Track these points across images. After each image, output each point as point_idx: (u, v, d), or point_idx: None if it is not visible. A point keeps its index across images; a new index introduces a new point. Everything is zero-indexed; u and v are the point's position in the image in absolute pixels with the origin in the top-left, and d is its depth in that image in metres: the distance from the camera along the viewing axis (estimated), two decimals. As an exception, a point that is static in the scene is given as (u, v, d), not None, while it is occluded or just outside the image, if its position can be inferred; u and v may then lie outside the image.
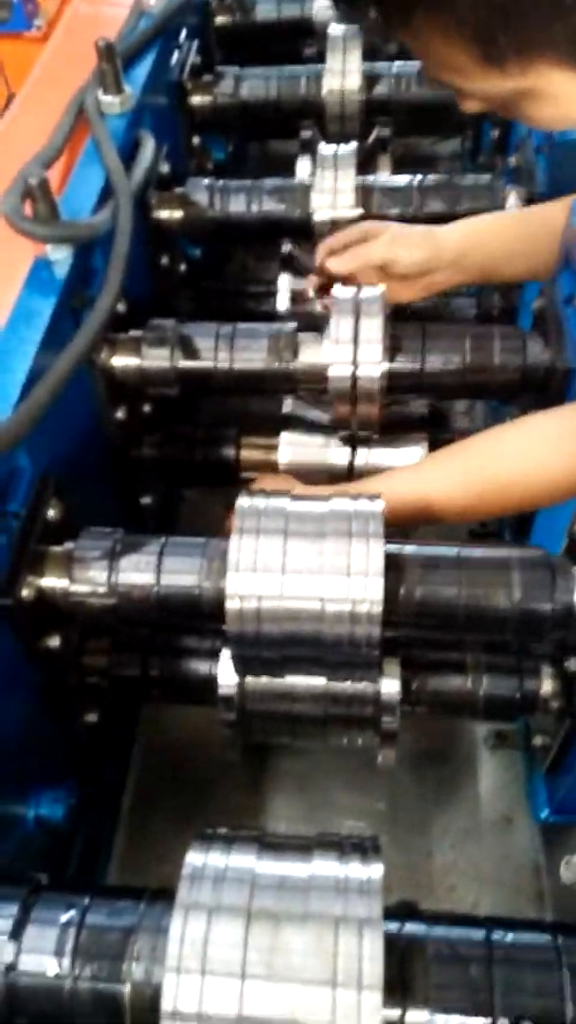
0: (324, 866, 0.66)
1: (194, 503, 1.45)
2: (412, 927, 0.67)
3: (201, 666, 1.03)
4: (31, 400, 0.81)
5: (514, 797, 1.14)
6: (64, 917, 0.67)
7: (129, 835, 1.13)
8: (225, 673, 0.96)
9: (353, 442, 1.16)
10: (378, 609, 0.81)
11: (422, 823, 1.11)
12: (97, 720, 1.03)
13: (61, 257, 0.98)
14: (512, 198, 1.21)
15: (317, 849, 0.67)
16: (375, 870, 0.66)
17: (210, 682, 1.01)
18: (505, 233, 1.12)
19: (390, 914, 0.66)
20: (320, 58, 1.51)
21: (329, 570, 0.82)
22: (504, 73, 0.67)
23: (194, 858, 0.67)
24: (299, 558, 0.83)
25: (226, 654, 0.93)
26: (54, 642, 0.91)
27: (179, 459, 1.25)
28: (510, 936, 0.66)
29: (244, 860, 0.67)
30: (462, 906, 1.04)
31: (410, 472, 1.03)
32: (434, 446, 1.17)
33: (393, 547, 0.86)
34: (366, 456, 1.17)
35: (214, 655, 1.02)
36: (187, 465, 1.26)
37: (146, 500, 1.26)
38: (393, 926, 0.66)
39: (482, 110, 0.76)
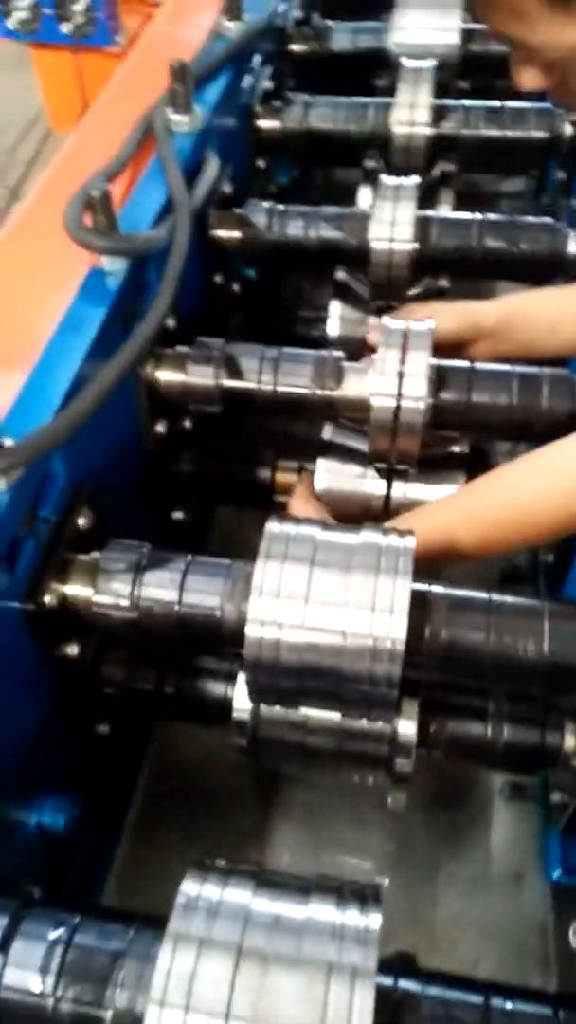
0: (321, 910, 0.64)
1: (226, 521, 1.45)
2: (407, 983, 0.64)
3: (217, 687, 1.02)
4: (72, 409, 0.82)
5: (526, 852, 1.10)
6: (53, 934, 0.66)
7: (131, 851, 1.12)
8: (241, 697, 0.94)
9: (390, 475, 1.15)
10: (400, 648, 0.79)
11: (429, 868, 1.08)
12: (108, 731, 1.02)
13: (116, 269, 0.99)
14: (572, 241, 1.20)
15: (315, 892, 0.65)
16: (373, 920, 0.64)
17: (225, 704, 0.99)
18: (549, 304, 1.11)
19: (386, 965, 0.64)
20: (392, 91, 1.52)
21: (353, 603, 0.80)
22: (570, 16, 0.65)
23: (189, 887, 0.66)
24: (324, 588, 0.81)
25: (243, 678, 0.92)
26: (72, 650, 0.91)
27: (215, 476, 1.25)
28: (509, 1004, 0.63)
29: (239, 895, 0.65)
30: (464, 961, 1.00)
31: (433, 507, 1.02)
32: (472, 484, 1.15)
33: (422, 586, 0.85)
34: (403, 489, 1.16)
35: (231, 677, 1.01)
36: (222, 482, 1.26)
37: (178, 515, 1.26)
38: (388, 980, 0.64)
39: (539, 86, 0.75)
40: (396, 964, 0.66)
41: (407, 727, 0.93)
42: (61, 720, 0.96)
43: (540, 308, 1.10)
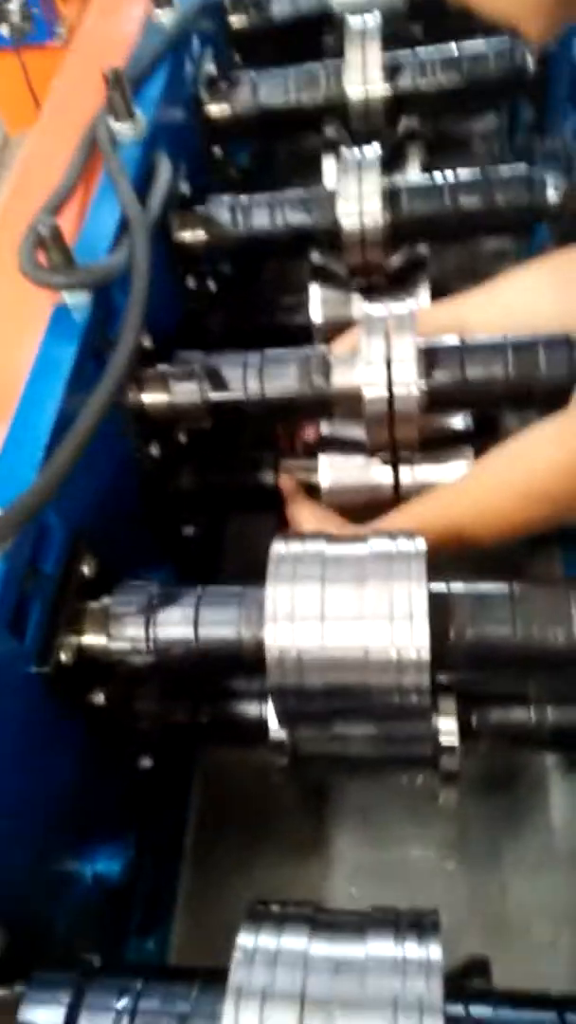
0: (379, 946, 0.63)
1: (239, 526, 1.43)
2: (478, 1008, 0.63)
3: (251, 708, 1.00)
4: (57, 459, 0.79)
5: (590, 826, 1.08)
6: (119, 1004, 0.65)
7: (192, 882, 1.12)
8: (274, 717, 0.93)
9: (395, 461, 1.11)
10: (425, 655, 0.77)
11: (493, 855, 1.07)
12: (152, 765, 1.02)
13: (80, 302, 0.95)
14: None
15: (371, 927, 0.64)
16: (434, 950, 0.62)
17: (262, 725, 0.98)
18: (536, 288, 1.05)
19: (453, 992, 0.62)
20: (338, 49, 1.45)
21: (371, 616, 0.78)
22: None
23: (245, 940, 0.65)
24: (339, 605, 0.79)
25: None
26: (98, 698, 0.90)
27: (218, 487, 1.23)
28: (584, 1016, 0.62)
29: (296, 941, 0.64)
30: (540, 945, 0.99)
31: (436, 498, 0.98)
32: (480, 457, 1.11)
33: (439, 586, 0.82)
34: (411, 474, 1.13)
35: (263, 696, 1.00)
36: (226, 492, 1.23)
37: (188, 531, 1.24)
38: (458, 1008, 0.62)
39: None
40: (465, 987, 0.65)
41: (448, 724, 0.91)
42: (100, 764, 0.96)
43: (524, 294, 1.04)
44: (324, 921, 0.66)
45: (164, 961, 1.05)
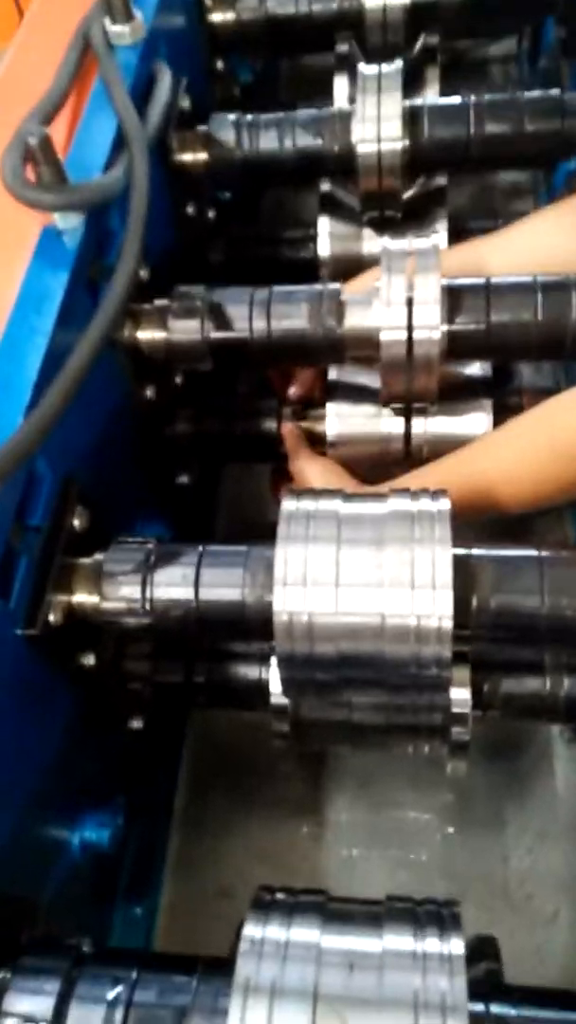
0: (397, 940, 0.58)
1: (235, 476, 1.35)
2: (499, 1008, 0.59)
3: (251, 671, 0.95)
4: (46, 402, 0.71)
5: (595, 796, 1.05)
6: (111, 994, 0.60)
7: (183, 840, 1.08)
8: (277, 681, 0.87)
9: (408, 411, 1.04)
10: (448, 625, 0.71)
11: (495, 822, 1.04)
12: (143, 726, 0.96)
13: (72, 225, 0.86)
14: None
15: (388, 920, 0.59)
16: (456, 945, 0.58)
17: (261, 687, 0.93)
18: (552, 241, 0.97)
19: (473, 988, 0.58)
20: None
21: (390, 582, 0.72)
22: None
23: (251, 930, 0.60)
24: (355, 569, 0.73)
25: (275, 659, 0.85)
26: (88, 660, 0.83)
27: (216, 434, 1.15)
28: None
29: (307, 933, 0.59)
30: (542, 915, 0.97)
31: (466, 454, 0.92)
32: (499, 410, 1.04)
33: (462, 551, 0.76)
34: (423, 425, 1.06)
35: (264, 659, 0.94)
36: (225, 440, 1.16)
37: (183, 479, 1.17)
38: (478, 1006, 0.58)
39: None
40: (483, 984, 0.61)
41: (460, 694, 0.86)
42: (89, 726, 0.90)
43: (545, 242, 0.96)
44: (337, 911, 0.61)
45: (153, 928, 1.01)
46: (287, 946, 0.59)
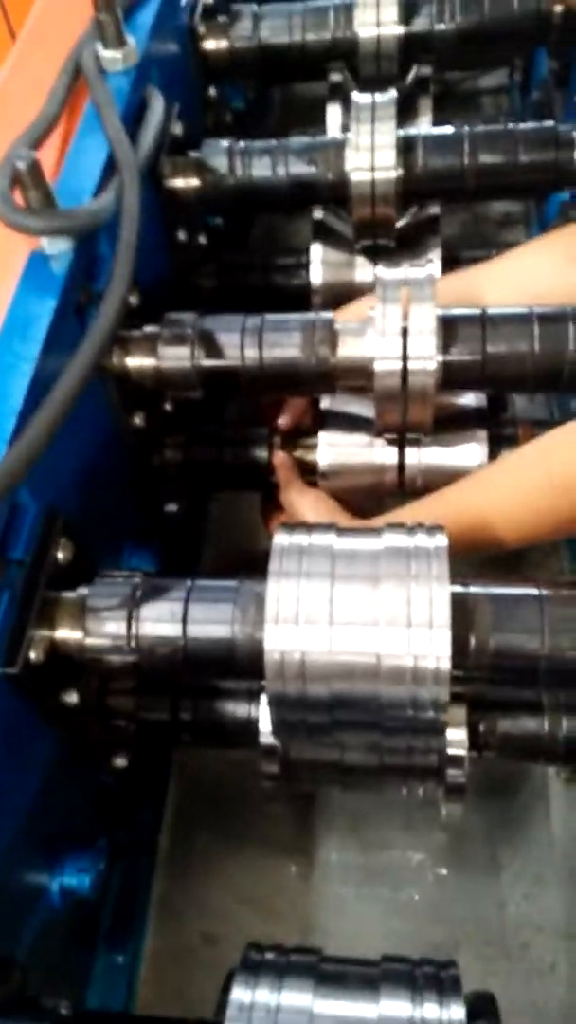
0: (394, 1007, 0.55)
1: (224, 503, 1.33)
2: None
3: (239, 708, 0.92)
4: (29, 434, 0.69)
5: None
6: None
7: (168, 882, 1.04)
8: (267, 720, 0.84)
9: (402, 441, 1.02)
10: (446, 665, 0.68)
11: (490, 866, 1.00)
12: (126, 764, 0.93)
13: (60, 250, 0.84)
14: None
15: (384, 983, 0.56)
16: (456, 1012, 0.55)
17: (248, 726, 0.90)
18: (539, 274, 0.96)
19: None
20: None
21: (386, 620, 0.69)
22: None
23: (240, 994, 0.56)
24: (349, 606, 0.70)
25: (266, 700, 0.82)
26: (71, 698, 0.80)
27: (205, 462, 1.13)
28: None
29: (299, 998, 0.56)
30: (540, 966, 0.93)
31: (463, 488, 0.90)
32: (494, 441, 1.03)
33: (459, 588, 0.73)
34: (417, 455, 1.04)
35: (253, 696, 0.91)
36: (214, 468, 1.13)
37: (171, 508, 1.14)
38: (479, 1075, 0.55)
39: None
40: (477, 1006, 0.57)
41: (457, 735, 0.84)
42: (70, 767, 0.86)
43: (538, 273, 0.95)
44: (330, 973, 0.58)
45: (135, 977, 0.97)
46: (278, 1011, 0.56)
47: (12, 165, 0.78)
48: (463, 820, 0.98)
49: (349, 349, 0.93)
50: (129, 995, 0.96)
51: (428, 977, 0.57)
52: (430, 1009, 0.55)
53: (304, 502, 1.01)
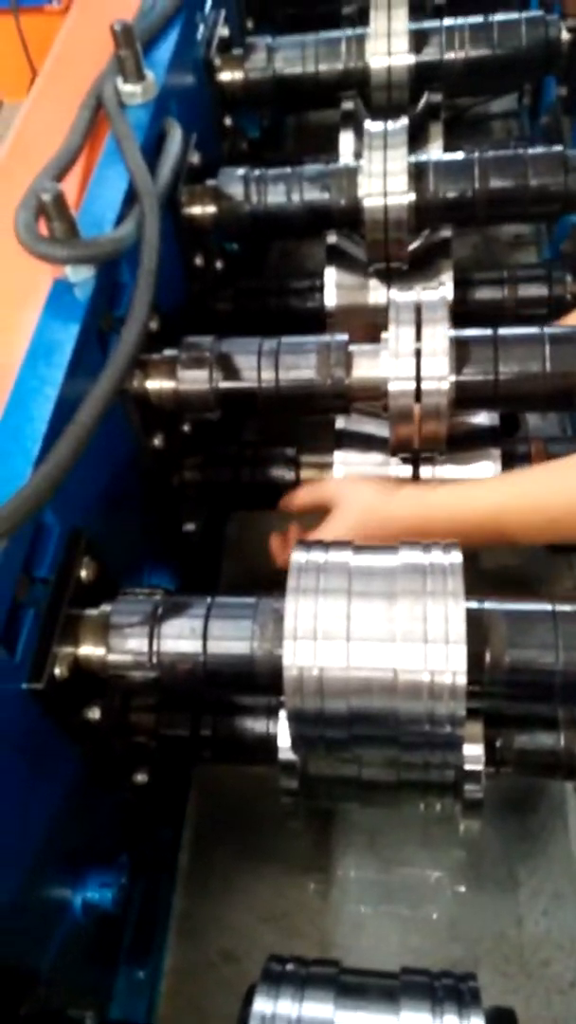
0: (415, 1018, 0.56)
1: (241, 521, 1.35)
2: None
3: (257, 725, 0.93)
4: (54, 456, 0.71)
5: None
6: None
7: (188, 895, 1.05)
8: (285, 737, 0.86)
9: (416, 460, 1.04)
10: (462, 681, 0.69)
11: (508, 883, 1.01)
12: (147, 780, 0.94)
13: (83, 278, 0.87)
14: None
15: (405, 996, 0.57)
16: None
17: (268, 742, 0.91)
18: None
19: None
20: (360, 17, 1.36)
21: (402, 637, 0.71)
22: None
23: (262, 1006, 0.57)
24: (366, 623, 0.72)
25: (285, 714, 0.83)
26: (93, 714, 0.82)
27: (223, 482, 1.15)
28: None
29: (320, 1009, 0.57)
30: (560, 983, 0.93)
31: (484, 486, 0.92)
32: (507, 459, 1.04)
33: (475, 604, 0.74)
34: (431, 473, 1.05)
35: (271, 712, 0.93)
36: (232, 488, 1.15)
37: (189, 527, 1.16)
38: None
39: None
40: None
41: (474, 750, 0.84)
42: (93, 782, 0.88)
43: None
44: (350, 984, 0.59)
45: (156, 992, 0.97)
46: (299, 1022, 0.56)
47: (37, 197, 0.81)
48: (481, 837, 0.99)
49: (364, 370, 0.95)
50: (150, 1011, 0.97)
51: (448, 989, 0.58)
52: (450, 1021, 0.56)
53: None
